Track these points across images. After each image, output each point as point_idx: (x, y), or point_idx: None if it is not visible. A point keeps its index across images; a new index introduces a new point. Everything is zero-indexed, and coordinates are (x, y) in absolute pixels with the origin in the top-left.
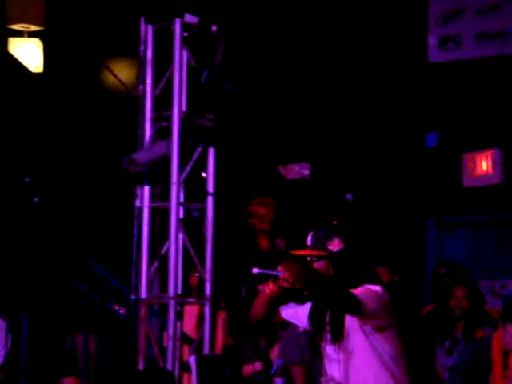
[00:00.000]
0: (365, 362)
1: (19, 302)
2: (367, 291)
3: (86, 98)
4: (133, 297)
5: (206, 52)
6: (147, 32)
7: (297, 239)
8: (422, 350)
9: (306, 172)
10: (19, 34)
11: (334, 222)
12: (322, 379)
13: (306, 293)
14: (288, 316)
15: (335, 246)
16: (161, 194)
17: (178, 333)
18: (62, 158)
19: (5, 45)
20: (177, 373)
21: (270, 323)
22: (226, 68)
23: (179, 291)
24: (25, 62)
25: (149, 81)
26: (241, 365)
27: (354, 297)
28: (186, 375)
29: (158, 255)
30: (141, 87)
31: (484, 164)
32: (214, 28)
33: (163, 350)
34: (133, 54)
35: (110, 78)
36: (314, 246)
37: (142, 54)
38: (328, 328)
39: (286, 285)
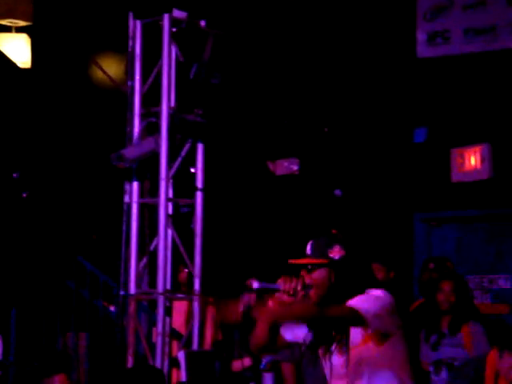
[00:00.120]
0: (374, 371)
1: (8, 297)
2: (367, 298)
3: (74, 93)
4: (122, 292)
5: (194, 47)
6: (136, 27)
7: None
8: (411, 344)
9: (295, 167)
10: (7, 29)
11: (334, 231)
12: None
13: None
14: (291, 336)
15: (336, 253)
16: (149, 190)
17: (167, 328)
18: (51, 153)
19: None
20: (166, 368)
21: (273, 349)
22: (214, 63)
23: (168, 287)
24: (13, 57)
25: (137, 76)
26: (230, 360)
27: (353, 310)
28: (175, 371)
29: (147, 251)
30: (129, 83)
31: (472, 159)
32: (202, 23)
33: (152, 346)
34: (121, 49)
35: (99, 74)
36: (314, 255)
37: (130, 49)
38: (335, 340)
39: (287, 298)
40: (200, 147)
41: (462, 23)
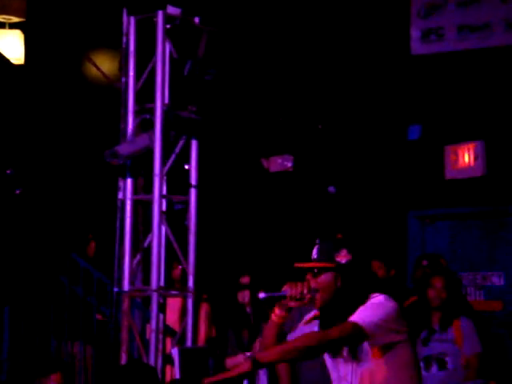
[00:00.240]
0: (379, 372)
1: (1, 294)
2: (370, 308)
3: (67, 90)
4: (115, 289)
5: (188, 44)
6: (129, 24)
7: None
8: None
9: (289, 164)
10: (0, 25)
11: (339, 235)
12: None
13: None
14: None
15: (343, 257)
16: (143, 187)
17: (161, 325)
18: (44, 150)
19: None
20: (160, 365)
21: None
22: (208, 60)
23: (162, 284)
24: (6, 53)
25: (131, 73)
26: (224, 357)
27: (356, 326)
28: (168, 367)
29: (141, 248)
30: (123, 79)
31: (466, 156)
32: (196, 20)
33: (146, 343)
34: (115, 45)
35: (92, 70)
36: (320, 258)
37: (124, 45)
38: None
39: (294, 304)
40: (194, 144)
41: (456, 20)
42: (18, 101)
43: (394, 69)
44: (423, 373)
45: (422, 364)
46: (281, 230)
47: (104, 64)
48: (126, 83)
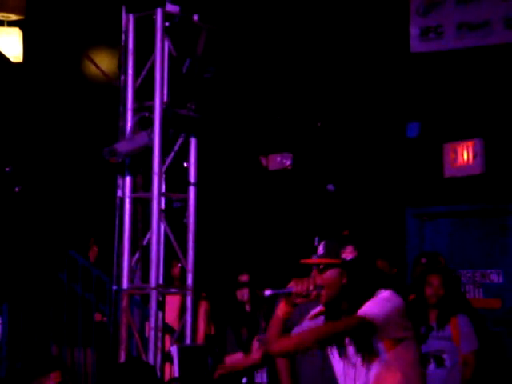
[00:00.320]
0: (385, 372)
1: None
2: (377, 302)
3: (66, 88)
4: (114, 287)
5: (187, 42)
6: (128, 21)
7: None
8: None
9: (288, 162)
10: None
11: (345, 232)
12: None
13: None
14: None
15: (349, 253)
16: (142, 185)
17: (160, 323)
18: (43, 147)
19: None
20: (158, 363)
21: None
22: (207, 58)
23: (161, 281)
24: (4, 51)
25: (130, 71)
26: (223, 355)
27: (364, 320)
28: (167, 365)
29: (140, 245)
30: (122, 77)
31: (465, 154)
32: (195, 18)
33: (145, 341)
34: (114, 43)
35: (91, 68)
36: (326, 255)
37: (123, 43)
38: (345, 344)
39: (299, 300)
40: (193, 142)
41: (455, 18)
42: (17, 99)
43: (393, 66)
44: None
45: None
46: (280, 228)
47: (103, 62)
48: (125, 81)
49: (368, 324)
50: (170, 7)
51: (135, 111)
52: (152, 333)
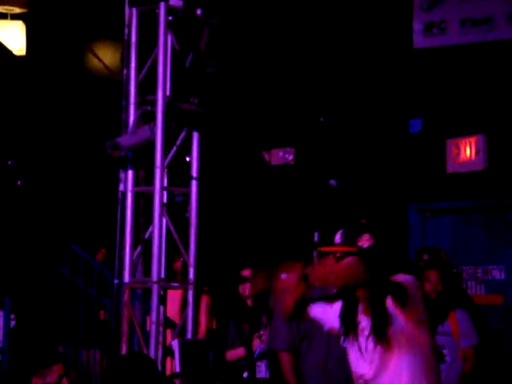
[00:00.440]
0: (399, 359)
1: (1, 285)
2: (406, 278)
3: (69, 81)
4: (116, 281)
5: (190, 36)
6: (131, 15)
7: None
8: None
9: (291, 157)
10: (2, 16)
11: (363, 220)
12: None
13: (337, 292)
14: (316, 315)
15: (365, 241)
16: (144, 179)
17: (161, 317)
18: (46, 141)
19: None
20: (160, 357)
21: (301, 317)
22: (210, 52)
23: (162, 276)
24: (8, 44)
25: (133, 64)
26: (224, 349)
27: (400, 284)
28: (169, 359)
29: (142, 239)
30: (125, 71)
31: (468, 150)
32: (198, 12)
33: (146, 335)
34: (117, 37)
35: (94, 62)
36: (343, 243)
37: (126, 37)
38: (361, 327)
39: (318, 283)
40: (195, 136)
41: (459, 14)
42: (20, 92)
43: (396, 62)
44: None
45: None
46: (282, 222)
47: (106, 55)
48: (128, 75)
49: (404, 291)
50: (173, 1)
51: (138, 105)
52: (153, 327)
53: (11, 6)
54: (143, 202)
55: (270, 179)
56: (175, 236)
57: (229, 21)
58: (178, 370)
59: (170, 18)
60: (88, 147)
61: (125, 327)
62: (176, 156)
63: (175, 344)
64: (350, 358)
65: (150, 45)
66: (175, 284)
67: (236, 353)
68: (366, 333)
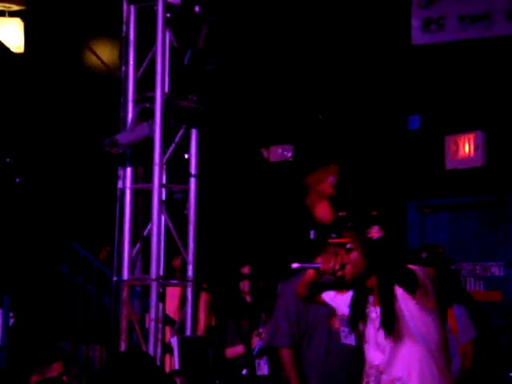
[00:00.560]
0: (410, 349)
1: (0, 283)
2: (415, 268)
3: (67, 78)
4: (115, 278)
5: (188, 33)
6: (129, 12)
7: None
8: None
9: (289, 154)
10: (0, 13)
11: (374, 212)
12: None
13: (345, 281)
14: (328, 300)
15: (375, 233)
16: (143, 176)
17: (160, 314)
18: (44, 138)
19: None
20: (159, 354)
21: (313, 301)
22: (209, 49)
23: (161, 273)
24: (5, 41)
25: (131, 62)
26: (223, 347)
27: (411, 271)
28: (168, 357)
29: (141, 237)
30: (123, 68)
31: (466, 146)
32: (196, 9)
33: (145, 332)
34: (115, 34)
35: (92, 59)
36: (352, 235)
37: (124, 34)
38: (372, 317)
39: (326, 276)
40: (194, 133)
41: (457, 10)
42: (18, 89)
43: (395, 58)
44: None
45: None
46: (281, 219)
47: (104, 53)
48: (126, 72)
49: (415, 278)
50: None
51: (136, 102)
52: (152, 324)
53: (9, 3)
54: (142, 200)
55: (268, 176)
56: (174, 233)
57: (227, 18)
58: (177, 367)
59: (168, 15)
60: (86, 144)
61: (123, 324)
62: (174, 153)
63: (174, 341)
64: (364, 349)
65: (148, 42)
66: (174, 281)
67: (235, 350)
68: (377, 324)
